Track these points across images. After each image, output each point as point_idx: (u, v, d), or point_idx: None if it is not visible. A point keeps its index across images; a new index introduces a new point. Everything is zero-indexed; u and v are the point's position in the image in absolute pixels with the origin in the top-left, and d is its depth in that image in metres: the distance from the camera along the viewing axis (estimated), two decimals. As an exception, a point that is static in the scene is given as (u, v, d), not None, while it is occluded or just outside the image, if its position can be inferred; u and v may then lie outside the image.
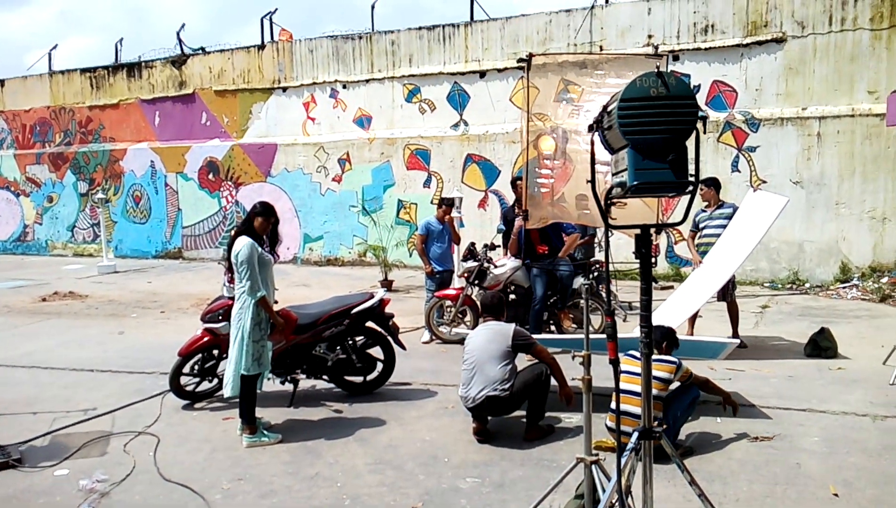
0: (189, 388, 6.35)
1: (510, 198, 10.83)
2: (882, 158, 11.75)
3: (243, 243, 5.24)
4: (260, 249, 5.33)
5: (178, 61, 18.23)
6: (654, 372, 4.78)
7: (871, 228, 11.92)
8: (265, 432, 5.42)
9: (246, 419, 5.35)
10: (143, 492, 4.56)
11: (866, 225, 11.95)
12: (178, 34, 18.27)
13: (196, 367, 6.32)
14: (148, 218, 19.01)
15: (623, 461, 3.07)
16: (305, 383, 6.63)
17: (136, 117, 19.00)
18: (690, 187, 2.79)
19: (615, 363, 3.03)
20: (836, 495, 4.27)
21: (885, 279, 11.39)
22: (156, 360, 7.65)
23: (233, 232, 5.51)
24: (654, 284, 11.01)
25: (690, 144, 2.77)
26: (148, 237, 19.01)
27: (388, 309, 6.66)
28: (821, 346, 7.50)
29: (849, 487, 4.38)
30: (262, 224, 5.40)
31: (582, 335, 3.82)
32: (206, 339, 6.19)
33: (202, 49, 18.12)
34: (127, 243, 19.28)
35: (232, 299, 5.77)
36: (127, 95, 19.03)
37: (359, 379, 6.55)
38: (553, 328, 8.33)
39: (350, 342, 6.45)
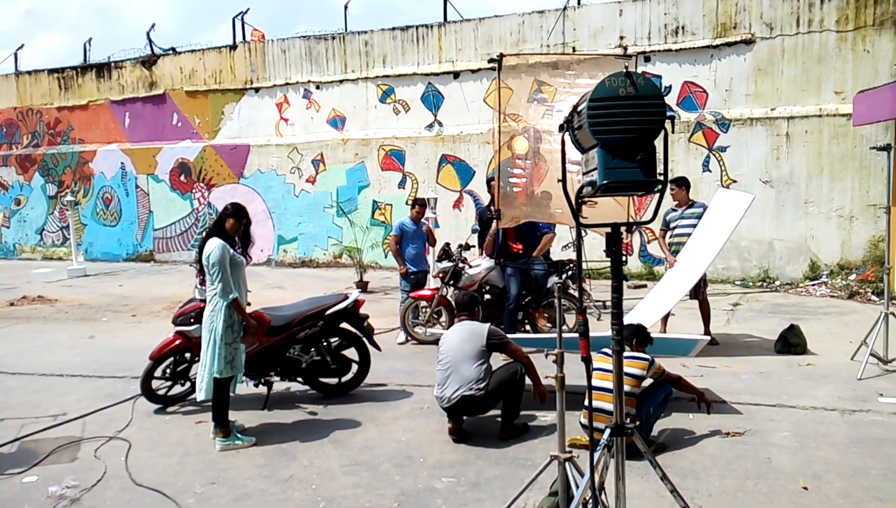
0: (161, 392, 6.28)
1: (485, 198, 10.87)
2: (849, 158, 11.97)
3: (215, 245, 5.19)
4: (232, 250, 5.28)
5: (149, 62, 18.01)
6: (627, 369, 4.82)
7: (839, 226, 12.13)
8: (239, 435, 5.37)
9: (219, 422, 5.30)
10: (115, 498, 4.50)
11: (834, 223, 12.16)
12: (148, 34, 18.05)
13: (168, 370, 6.25)
14: (118, 220, 18.74)
15: (596, 457, 3.10)
16: (280, 385, 6.59)
17: (105, 118, 18.73)
18: (659, 186, 2.82)
19: (587, 360, 3.05)
20: (805, 488, 4.35)
21: (852, 276, 11.60)
22: (127, 364, 7.55)
23: (204, 234, 5.45)
24: (625, 282, 11.10)
25: (659, 143, 2.80)
26: (119, 240, 18.74)
27: (363, 310, 6.64)
28: (790, 342, 7.62)
29: (818, 480, 4.46)
30: (233, 226, 5.35)
31: (556, 334, 3.84)
32: (177, 342, 6.12)
33: (173, 49, 17.92)
34: (97, 246, 18.99)
35: (204, 301, 5.71)
36: (96, 96, 18.75)
37: (334, 381, 6.52)
38: (528, 327, 8.37)
39: (324, 344, 6.42)
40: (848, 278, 11.62)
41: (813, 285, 11.82)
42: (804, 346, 7.61)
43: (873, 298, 10.50)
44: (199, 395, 5.32)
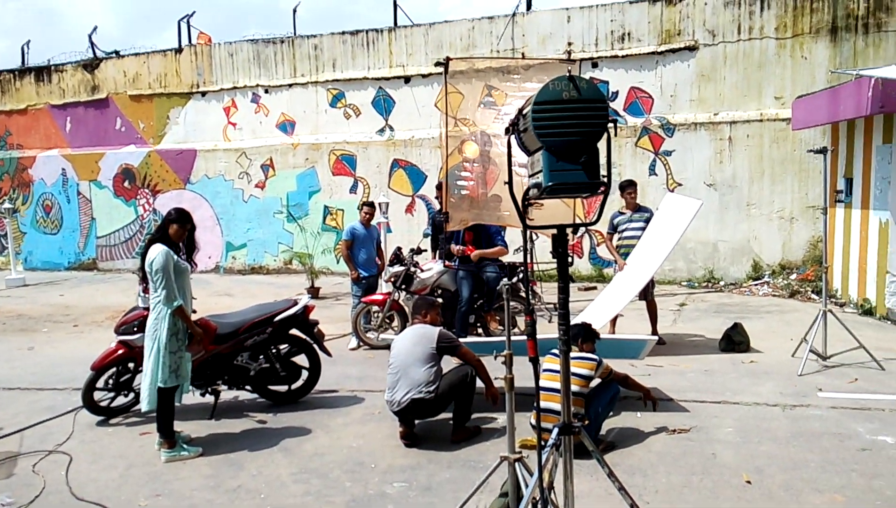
0: (103, 403, 6.10)
1: (437, 203, 10.88)
2: (789, 161, 12.36)
3: (158, 251, 5.07)
4: (176, 257, 5.17)
5: (91, 65, 17.53)
6: (576, 369, 4.88)
7: (780, 227, 12.51)
8: (185, 445, 5.25)
9: (164, 433, 5.17)
10: (54, 514, 4.35)
11: (776, 225, 12.54)
12: (90, 37, 17.58)
13: (110, 381, 6.08)
14: (59, 228, 18.17)
15: (544, 457, 3.12)
16: (228, 394, 6.47)
17: (45, 123, 18.15)
18: (603, 188, 2.85)
19: (534, 360, 3.07)
20: (748, 482, 4.46)
21: (793, 276, 11.98)
22: (68, 376, 7.32)
23: (147, 240, 5.32)
24: (575, 285, 11.21)
25: (603, 145, 2.84)
26: (60, 248, 18.16)
27: (313, 316, 6.57)
28: (734, 341, 7.82)
29: (761, 474, 4.58)
30: (177, 231, 5.23)
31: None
32: (120, 352, 5.96)
33: (116, 53, 17.48)
34: (37, 255, 18.38)
35: (147, 309, 5.58)
36: (35, 101, 18.17)
37: (283, 388, 6.43)
38: (480, 330, 8.39)
39: (274, 351, 6.33)
40: (789, 277, 11.99)
41: (756, 284, 12.16)
42: (747, 344, 7.82)
43: (813, 296, 10.86)
44: (143, 405, 5.19)
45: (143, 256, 5.16)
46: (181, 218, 5.26)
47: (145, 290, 5.80)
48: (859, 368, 6.86)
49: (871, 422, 5.43)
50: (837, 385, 6.39)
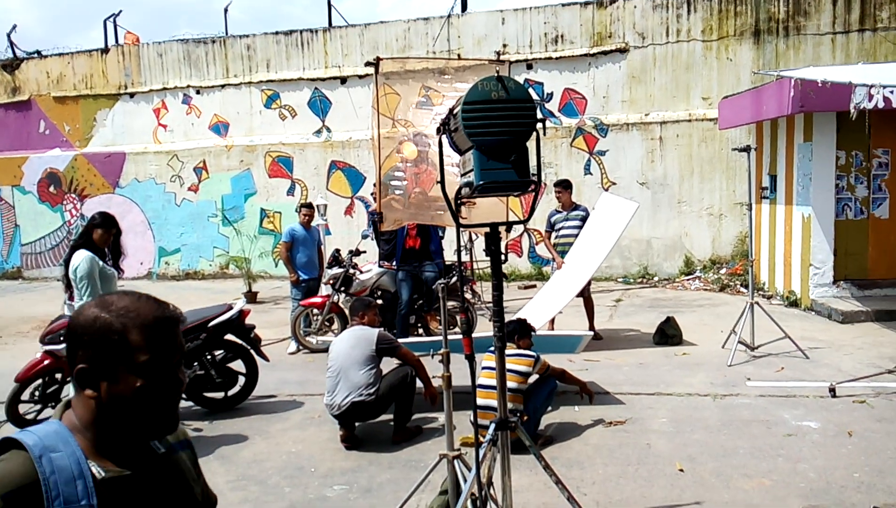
0: (30, 416, 5.85)
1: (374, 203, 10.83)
2: (717, 160, 12.78)
3: (82, 257, 4.89)
4: (101, 263, 5.00)
5: (11, 65, 16.80)
6: (514, 366, 4.94)
7: (709, 224, 12.93)
8: None
9: None
10: (-25, 534, 4.15)
11: (705, 221, 12.95)
12: (9, 36, 16.83)
13: (37, 393, 5.84)
14: (-20, 236, 17.37)
15: (482, 452, 3.15)
16: (162, 402, 6.28)
17: (-38, 126, 17.32)
18: (533, 186, 2.90)
19: (471, 358, 3.10)
20: (681, 470, 4.60)
21: (723, 271, 12.40)
22: (-9, 389, 6.99)
23: (70, 246, 5.13)
24: (514, 283, 11.30)
25: (533, 144, 2.88)
26: (-19, 257, 17.37)
27: (250, 320, 6.47)
28: (667, 334, 8.05)
29: (693, 462, 4.72)
30: (101, 236, 5.05)
31: (449, 337, 3.88)
32: (46, 362, 5.74)
33: (38, 52, 16.81)
34: (-44, 264, 17.52)
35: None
36: (-49, 102, 17.32)
37: (219, 395, 6.30)
38: (421, 330, 8.40)
39: (208, 357, 6.20)
40: (719, 272, 12.40)
41: (688, 279, 12.53)
42: (680, 337, 8.05)
43: (742, 289, 11.26)
44: None
45: (67, 262, 4.98)
46: (105, 222, 5.08)
47: (70, 297, 5.60)
48: (785, 357, 7.14)
49: (797, 409, 5.67)
50: (765, 374, 6.64)
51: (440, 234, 8.42)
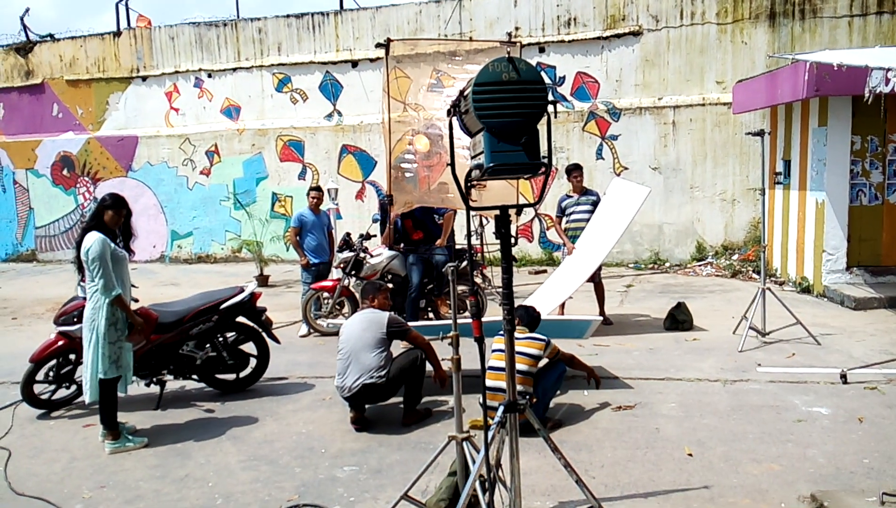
0: (44, 396, 5.94)
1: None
2: (730, 144, 12.68)
3: (94, 239, 4.92)
4: (113, 244, 5.02)
5: (24, 49, 16.85)
6: (525, 349, 4.95)
7: (722, 209, 12.85)
8: (129, 437, 5.15)
9: (107, 424, 5.05)
10: (-8, 510, 4.23)
11: (718, 207, 12.87)
12: (21, 19, 16.87)
13: (51, 373, 5.91)
14: (-5, 219, 17.52)
15: (491, 435, 3.16)
16: (174, 384, 6.35)
17: (-24, 109, 17.43)
18: (543, 169, 2.89)
19: (480, 340, 3.11)
20: (690, 455, 4.60)
21: (735, 257, 12.34)
22: (6, 369, 7.08)
23: (82, 228, 5.15)
24: (524, 268, 11.30)
25: (544, 126, 2.87)
26: (-4, 239, 17.53)
27: (260, 303, 6.49)
28: (678, 320, 8.03)
29: (702, 447, 4.72)
30: (112, 218, 5.07)
31: (458, 321, 3.88)
32: (60, 343, 5.80)
33: (51, 36, 16.84)
34: (-28, 247, 17.70)
35: (87, 299, 5.45)
36: (-35, 86, 17.42)
37: (231, 377, 6.35)
38: (431, 315, 8.42)
39: (220, 339, 6.24)
40: (731, 258, 12.34)
41: (699, 265, 12.47)
42: (690, 322, 8.03)
43: (754, 275, 11.19)
44: (86, 397, 5.05)
45: (79, 244, 5.01)
46: (116, 204, 5.09)
47: (83, 279, 5.65)
48: (797, 343, 7.11)
49: (807, 395, 5.65)
50: (776, 360, 6.62)
51: (437, 219, 8.41)
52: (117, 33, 16.20)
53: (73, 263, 5.14)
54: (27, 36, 16.87)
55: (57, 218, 17.01)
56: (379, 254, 8.38)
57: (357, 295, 8.20)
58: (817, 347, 6.98)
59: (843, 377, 5.89)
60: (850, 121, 9.31)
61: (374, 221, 10.17)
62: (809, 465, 4.38)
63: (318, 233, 8.82)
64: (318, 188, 9.10)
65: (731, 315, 8.16)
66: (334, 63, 14.81)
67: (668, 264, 12.90)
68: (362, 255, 8.30)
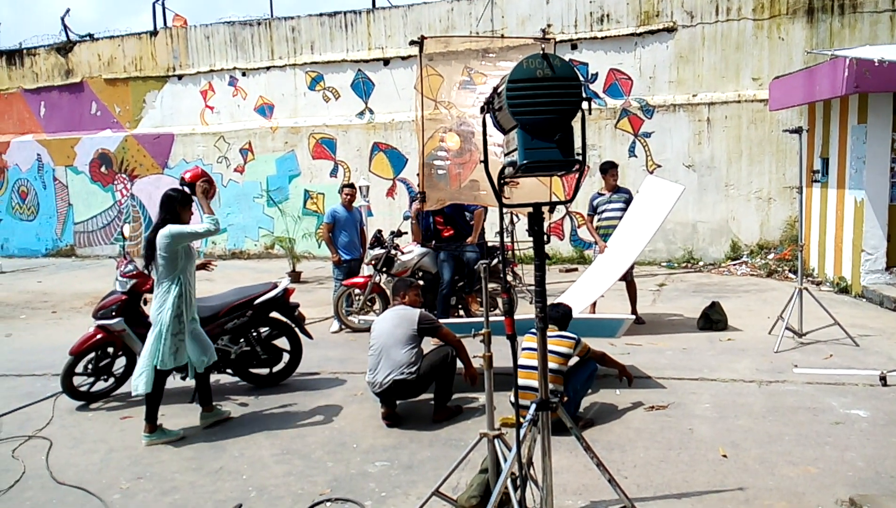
0: (83, 388, 6.07)
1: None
2: (766, 142, 12.47)
3: (177, 230, 5.08)
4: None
5: (64, 48, 17.24)
6: (555, 347, 4.93)
7: (757, 207, 12.64)
8: (166, 429, 5.24)
9: (149, 416, 5.14)
10: (34, 498, 4.33)
11: (753, 205, 12.66)
12: (62, 20, 17.28)
13: (89, 366, 6.04)
14: (36, 215, 17.94)
15: (522, 432, 3.16)
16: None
17: (19, 108, 17.86)
18: (577, 166, 2.87)
19: (512, 338, 3.10)
20: (724, 456, 4.54)
21: (771, 256, 12.13)
22: (47, 362, 7.26)
23: (155, 224, 5.25)
24: (556, 266, 11.25)
25: (578, 123, 2.85)
26: (37, 235, 17.94)
27: (293, 299, 6.56)
28: (712, 319, 7.92)
29: (737, 448, 4.66)
30: (186, 213, 5.29)
31: (490, 318, 3.88)
32: (99, 336, 5.93)
33: (90, 36, 17.20)
34: (14, 242, 18.14)
35: (125, 293, 5.59)
36: (8, 85, 17.86)
37: (264, 371, 6.43)
38: (462, 312, 8.43)
39: (254, 334, 6.32)
40: (767, 257, 12.14)
41: (734, 264, 12.29)
42: (725, 322, 7.92)
43: (790, 275, 11.00)
44: (139, 388, 5.11)
45: (152, 238, 5.09)
46: (185, 200, 5.28)
47: (126, 274, 5.79)
48: (834, 344, 6.98)
49: (845, 397, 5.54)
50: (813, 361, 6.50)
51: (468, 217, 8.41)
52: (154, 33, 16.48)
53: (144, 257, 5.21)
54: (67, 36, 17.24)
55: (95, 214, 17.37)
56: (410, 251, 8.41)
57: (388, 292, 8.25)
58: (855, 348, 6.84)
59: (883, 379, 5.77)
60: (891, 118, 9.11)
61: (405, 218, 10.21)
62: (848, 468, 4.30)
63: (350, 230, 8.91)
64: (351, 185, 9.17)
65: (767, 315, 8.03)
66: (366, 61, 14.89)
67: (701, 263, 12.73)
68: (393, 252, 8.34)
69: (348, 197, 8.95)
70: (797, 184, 7.48)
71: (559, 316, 5.29)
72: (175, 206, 5.21)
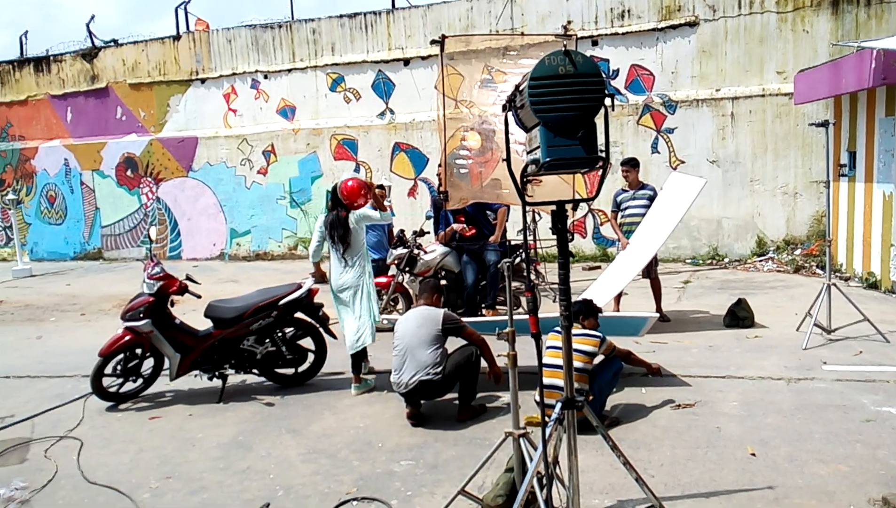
0: (112, 389, 6.16)
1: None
2: (792, 136, 12.29)
3: (360, 211, 6.21)
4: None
5: (90, 54, 17.48)
6: (580, 346, 4.91)
7: (783, 203, 12.47)
8: (366, 378, 6.22)
9: (356, 368, 6.12)
10: (67, 497, 4.41)
11: (779, 200, 12.50)
12: (87, 26, 17.50)
13: (119, 367, 6.13)
14: (64, 218, 18.22)
15: (548, 432, 3.15)
16: (235, 378, 6.52)
17: (46, 114, 18.14)
18: (601, 163, 2.86)
19: (536, 336, 3.09)
20: (753, 454, 4.49)
21: (798, 251, 11.97)
22: (76, 363, 7.38)
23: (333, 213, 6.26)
24: (578, 264, 11.19)
25: (600, 120, 2.84)
26: (65, 239, 18.23)
27: (318, 299, 6.59)
28: (739, 316, 7.83)
29: (765, 446, 4.60)
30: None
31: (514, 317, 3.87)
32: (127, 338, 6.01)
33: (114, 41, 17.42)
34: (43, 246, 18.45)
35: (152, 295, 5.69)
36: (35, 91, 18.15)
37: (290, 371, 6.48)
38: (485, 312, 8.40)
39: (279, 334, 6.37)
40: (793, 253, 11.97)
41: (760, 260, 12.14)
42: (752, 319, 7.82)
43: (818, 271, 10.84)
44: (367, 339, 6.10)
45: (333, 225, 6.21)
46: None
47: (150, 276, 5.87)
48: (864, 341, 6.86)
49: (876, 394, 5.45)
50: (842, 358, 6.40)
51: (490, 216, 8.39)
52: (177, 37, 16.66)
53: (334, 241, 6.21)
54: (92, 42, 17.48)
55: (121, 217, 17.60)
56: (433, 250, 8.42)
57: (411, 291, 8.26)
58: (886, 345, 6.72)
59: (915, 375, 5.67)
60: (921, 110, 8.93)
61: (428, 218, 10.22)
62: (880, 467, 4.23)
63: (379, 229, 8.95)
64: (380, 186, 9.19)
65: (794, 312, 7.92)
66: (386, 62, 14.92)
67: (726, 260, 12.59)
68: (416, 251, 8.35)
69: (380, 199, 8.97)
70: (824, 178, 7.36)
71: (585, 310, 5.27)
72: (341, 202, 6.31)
